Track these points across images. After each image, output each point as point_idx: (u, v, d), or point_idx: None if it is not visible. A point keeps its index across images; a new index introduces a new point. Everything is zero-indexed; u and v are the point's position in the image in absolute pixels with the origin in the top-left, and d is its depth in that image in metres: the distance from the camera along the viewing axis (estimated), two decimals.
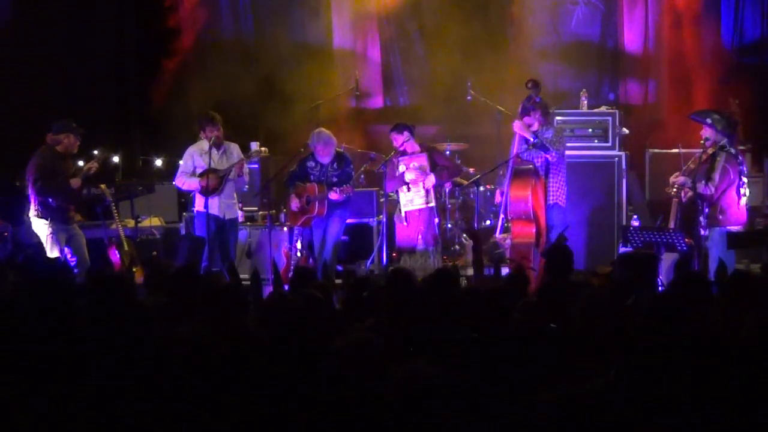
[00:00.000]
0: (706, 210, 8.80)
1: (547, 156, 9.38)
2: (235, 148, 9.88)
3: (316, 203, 9.70)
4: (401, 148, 10.13)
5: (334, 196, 9.61)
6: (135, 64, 13.51)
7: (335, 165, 9.80)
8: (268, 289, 7.53)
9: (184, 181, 9.92)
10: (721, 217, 8.83)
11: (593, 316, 4.65)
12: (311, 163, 9.86)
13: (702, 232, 8.80)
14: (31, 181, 9.36)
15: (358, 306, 5.94)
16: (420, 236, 10.08)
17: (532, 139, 9.33)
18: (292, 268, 9.79)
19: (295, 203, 9.84)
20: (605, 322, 4.61)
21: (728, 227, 8.82)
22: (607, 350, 4.17)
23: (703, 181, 8.76)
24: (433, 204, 10.11)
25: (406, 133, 10.09)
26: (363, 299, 6.03)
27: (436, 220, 10.17)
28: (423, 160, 10.07)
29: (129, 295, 5.80)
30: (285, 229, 10.87)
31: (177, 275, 6.26)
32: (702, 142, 8.97)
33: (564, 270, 6.86)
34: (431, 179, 10.05)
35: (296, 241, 10.05)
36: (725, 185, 8.81)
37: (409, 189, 10.08)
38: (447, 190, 10.79)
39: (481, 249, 7.84)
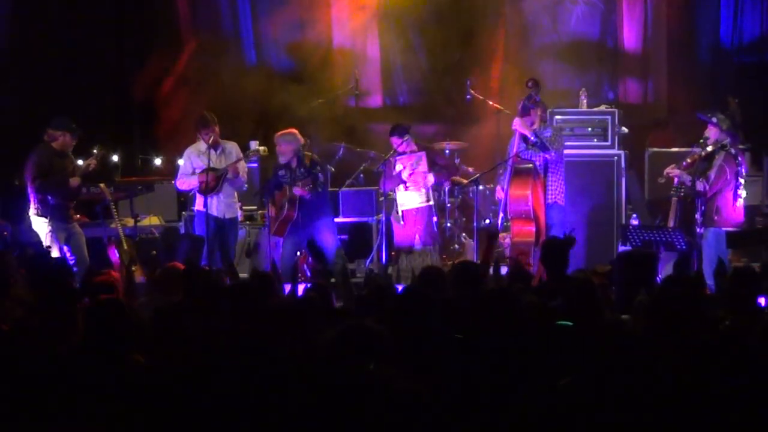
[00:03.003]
0: (703, 208, 8.81)
1: (546, 155, 9.37)
2: (233, 148, 9.87)
3: (286, 205, 9.50)
4: (400, 149, 10.10)
5: (297, 191, 9.39)
6: (134, 63, 13.49)
7: (302, 168, 9.52)
8: None
9: (184, 182, 9.92)
10: (716, 217, 8.86)
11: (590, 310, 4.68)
12: (281, 171, 9.61)
13: (698, 230, 8.82)
14: (30, 180, 9.36)
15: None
16: (418, 235, 10.06)
17: (532, 138, 9.33)
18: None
19: (271, 211, 9.64)
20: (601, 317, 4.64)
21: (723, 228, 8.84)
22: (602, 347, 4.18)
23: (700, 178, 8.79)
24: (431, 202, 10.09)
25: (406, 136, 10.05)
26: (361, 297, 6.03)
27: (435, 218, 10.16)
28: (421, 159, 10.05)
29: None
30: None
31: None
32: (702, 141, 8.99)
33: (559, 264, 6.84)
34: (430, 178, 10.02)
35: (304, 243, 10.00)
36: (721, 185, 8.83)
37: (406, 188, 10.06)
38: (446, 188, 10.78)
39: (492, 250, 7.50)
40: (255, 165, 11.53)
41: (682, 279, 6.00)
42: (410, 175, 10.05)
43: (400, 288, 7.63)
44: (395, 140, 10.06)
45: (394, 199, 10.18)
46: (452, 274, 6.36)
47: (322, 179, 9.60)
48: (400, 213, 10.10)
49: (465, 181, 10.65)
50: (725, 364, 3.74)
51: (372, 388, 3.26)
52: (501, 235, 9.75)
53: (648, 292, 5.72)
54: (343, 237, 10.62)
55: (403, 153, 10.10)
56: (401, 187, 10.06)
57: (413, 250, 10.08)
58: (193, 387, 3.88)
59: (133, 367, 4.17)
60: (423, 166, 10.02)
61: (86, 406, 3.82)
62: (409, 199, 10.08)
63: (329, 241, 9.69)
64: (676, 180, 8.94)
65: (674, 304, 4.50)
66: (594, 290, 5.21)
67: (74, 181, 9.41)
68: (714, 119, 8.97)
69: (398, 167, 10.07)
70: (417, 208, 10.07)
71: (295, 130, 9.74)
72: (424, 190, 10.04)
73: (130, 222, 10.43)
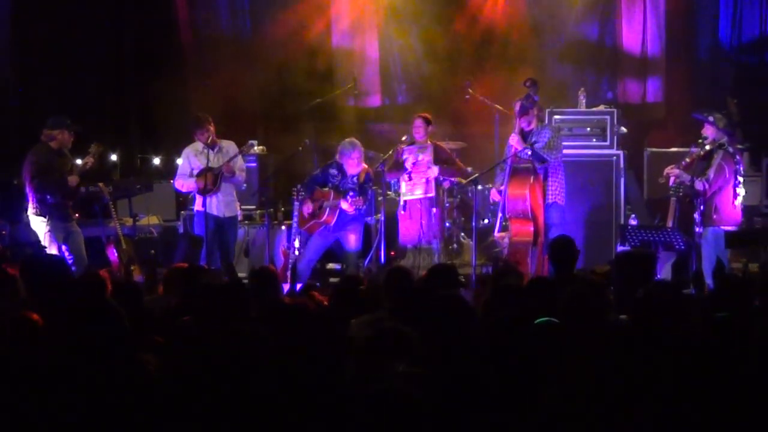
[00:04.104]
0: (702, 208, 8.81)
1: (545, 164, 9.36)
2: (230, 146, 9.86)
3: (327, 210, 9.57)
4: (416, 136, 10.11)
5: (344, 205, 9.41)
6: (133, 63, 13.50)
7: (356, 179, 9.62)
8: None
9: (183, 183, 9.92)
10: (715, 216, 8.85)
11: (578, 310, 4.69)
12: (334, 171, 9.69)
13: (697, 230, 8.82)
14: (28, 179, 9.34)
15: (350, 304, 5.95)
16: (422, 231, 10.04)
17: (529, 152, 9.29)
18: (289, 266, 9.80)
19: (307, 207, 9.64)
20: (590, 316, 4.65)
21: (722, 227, 8.83)
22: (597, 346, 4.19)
23: (699, 177, 8.80)
24: (432, 194, 10.08)
25: (431, 128, 10.13)
26: (355, 297, 6.04)
27: (434, 210, 10.14)
28: (426, 150, 10.07)
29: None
30: (283, 227, 10.86)
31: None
32: (700, 141, 8.99)
33: (568, 263, 6.86)
34: (435, 170, 10.03)
35: (294, 240, 10.03)
36: (720, 183, 8.83)
37: (410, 178, 10.06)
38: (446, 187, 10.76)
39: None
40: (254, 165, 11.52)
41: (667, 284, 6.02)
42: (413, 164, 10.07)
43: None
44: (420, 126, 10.08)
45: (398, 190, 10.20)
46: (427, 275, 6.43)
47: (370, 196, 9.70)
48: (402, 202, 10.10)
49: (464, 181, 10.64)
50: (722, 364, 3.75)
51: (396, 391, 3.27)
52: (500, 234, 9.75)
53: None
54: None
55: (413, 143, 10.12)
56: (405, 176, 10.07)
57: (419, 247, 10.07)
58: (201, 387, 3.88)
59: (143, 366, 4.16)
60: (427, 156, 10.03)
61: (92, 406, 3.81)
62: (411, 189, 10.07)
63: (352, 245, 9.75)
64: (672, 180, 8.94)
65: (658, 307, 4.50)
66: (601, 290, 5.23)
67: (73, 180, 9.39)
68: (710, 118, 8.98)
69: (405, 156, 10.09)
70: (420, 200, 10.06)
71: (355, 140, 9.80)
72: (425, 181, 10.03)
73: (129, 221, 10.44)
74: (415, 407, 3.19)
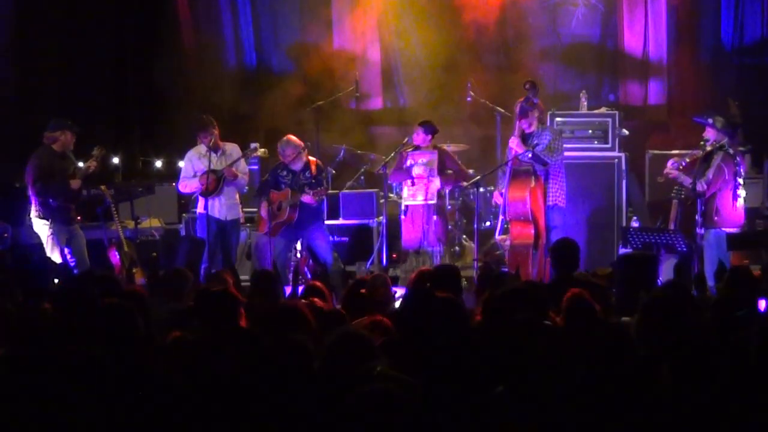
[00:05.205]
0: (703, 209, 8.82)
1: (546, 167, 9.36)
2: (233, 149, 9.89)
3: (287, 209, 9.59)
4: (416, 141, 10.09)
5: (307, 198, 9.48)
6: (134, 64, 13.50)
7: (308, 173, 9.69)
8: None
9: (186, 185, 9.95)
10: (716, 218, 8.86)
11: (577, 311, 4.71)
12: (283, 172, 9.74)
13: (698, 231, 8.82)
14: (31, 182, 9.37)
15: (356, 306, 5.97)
16: (423, 236, 10.05)
17: (529, 155, 9.28)
18: (291, 269, 9.81)
19: (264, 209, 9.69)
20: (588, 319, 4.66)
21: (723, 229, 8.83)
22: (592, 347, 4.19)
23: (699, 179, 8.81)
24: (433, 202, 10.05)
25: (430, 136, 10.06)
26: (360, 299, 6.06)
27: (434, 217, 10.14)
28: (433, 158, 10.03)
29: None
30: None
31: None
32: (702, 143, 9.00)
33: (569, 266, 6.86)
34: (437, 183, 10.00)
35: (295, 243, 10.03)
36: (720, 184, 8.85)
37: (413, 183, 10.05)
38: (447, 190, 10.76)
39: None
40: (255, 167, 11.53)
41: (673, 284, 6.01)
42: (414, 166, 10.05)
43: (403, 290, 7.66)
44: (420, 134, 10.03)
45: (399, 193, 10.19)
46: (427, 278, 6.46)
47: (326, 186, 9.72)
48: (403, 207, 10.10)
49: (466, 184, 10.63)
50: (720, 367, 3.75)
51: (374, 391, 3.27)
52: (501, 237, 9.75)
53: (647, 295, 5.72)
54: (344, 239, 10.64)
55: (417, 148, 10.09)
56: (408, 181, 10.05)
57: (421, 251, 10.07)
58: (199, 391, 3.89)
59: (143, 369, 4.17)
60: (432, 164, 10.01)
61: (94, 412, 3.82)
62: (414, 194, 10.06)
63: (323, 243, 9.78)
64: (674, 174, 8.94)
65: (664, 309, 4.51)
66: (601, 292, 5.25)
67: (75, 183, 9.41)
68: (710, 120, 9.00)
69: (409, 162, 10.07)
70: (421, 206, 10.05)
71: (292, 136, 9.80)
72: (426, 188, 10.00)
73: (131, 224, 10.44)
74: (404, 408, 3.20)
